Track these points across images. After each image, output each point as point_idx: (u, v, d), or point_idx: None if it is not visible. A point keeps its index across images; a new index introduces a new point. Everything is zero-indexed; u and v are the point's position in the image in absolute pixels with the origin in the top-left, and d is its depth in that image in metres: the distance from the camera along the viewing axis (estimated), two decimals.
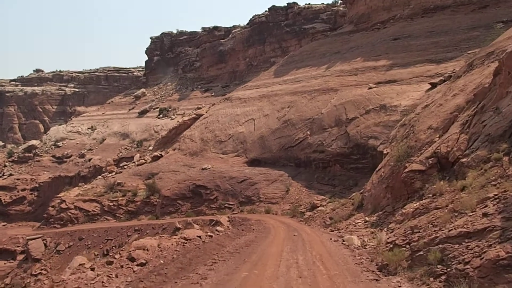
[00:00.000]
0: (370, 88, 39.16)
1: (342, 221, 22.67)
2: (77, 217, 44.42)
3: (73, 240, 40.35)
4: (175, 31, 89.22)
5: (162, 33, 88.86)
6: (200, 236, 15.48)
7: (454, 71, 31.45)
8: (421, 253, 10.60)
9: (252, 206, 38.24)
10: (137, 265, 10.03)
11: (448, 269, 9.29)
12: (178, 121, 54.47)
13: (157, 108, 78.32)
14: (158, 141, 52.70)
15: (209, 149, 46.62)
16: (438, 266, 9.65)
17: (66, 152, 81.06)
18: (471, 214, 10.64)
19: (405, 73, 39.04)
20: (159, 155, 49.83)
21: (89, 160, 74.52)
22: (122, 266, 10.02)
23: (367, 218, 20.43)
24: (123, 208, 44.34)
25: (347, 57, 45.33)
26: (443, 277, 9.33)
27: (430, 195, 15.38)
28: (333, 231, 21.32)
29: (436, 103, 22.51)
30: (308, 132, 40.29)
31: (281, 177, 39.81)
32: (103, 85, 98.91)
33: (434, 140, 18.72)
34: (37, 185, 72.04)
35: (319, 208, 32.40)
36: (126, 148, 74.48)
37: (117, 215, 44.15)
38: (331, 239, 17.07)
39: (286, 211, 34.41)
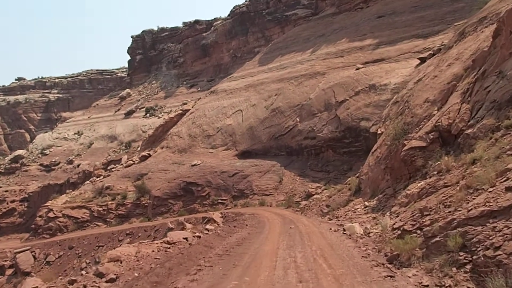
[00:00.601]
0: (357, 68, 37.59)
1: (340, 208, 21.14)
2: (66, 225, 42.50)
3: (63, 250, 38.53)
4: (156, 28, 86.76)
5: (143, 31, 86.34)
6: (186, 238, 13.82)
7: (443, 43, 29.94)
8: (437, 239, 9.02)
9: (246, 199, 36.66)
10: (106, 281, 8.31)
11: (474, 257, 7.72)
12: (164, 119, 52.49)
13: (143, 107, 76.26)
14: (145, 141, 50.76)
15: (197, 144, 44.83)
16: (461, 254, 8.09)
17: (53, 160, 78.78)
18: (490, 189, 9.07)
19: (393, 51, 37.52)
20: (147, 154, 47.93)
21: (78, 165, 72.31)
22: (85, 286, 8.30)
23: (366, 203, 18.90)
24: (113, 212, 42.49)
25: (331, 39, 43.66)
26: (468, 266, 7.78)
27: (435, 172, 13.84)
28: (331, 219, 19.77)
29: (430, 75, 20.95)
30: (298, 119, 38.68)
31: (273, 168, 38.23)
32: (88, 89, 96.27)
33: (432, 114, 17.18)
34: (26, 196, 69.91)
35: (315, 196, 30.94)
36: (114, 150, 72.40)
37: (108, 220, 42.31)
38: (330, 229, 15.49)
39: (280, 202, 32.88)
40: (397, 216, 13.38)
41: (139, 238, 36.02)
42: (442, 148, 15.17)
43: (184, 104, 56.02)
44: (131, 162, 48.33)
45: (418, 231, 10.57)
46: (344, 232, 14.47)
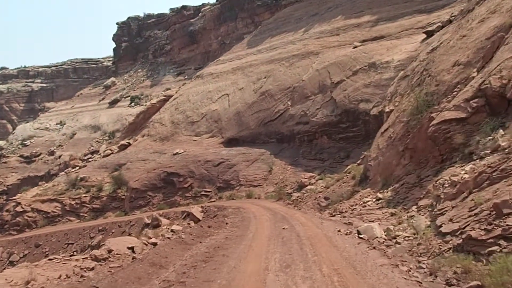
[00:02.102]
0: (355, 47, 33.01)
1: (343, 201, 16.58)
2: (35, 221, 37.55)
3: (28, 248, 33.76)
4: (142, 15, 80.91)
5: (129, 18, 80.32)
6: (133, 248, 9.22)
7: (453, 15, 25.40)
8: None
9: (232, 191, 32.06)
10: None
11: None
12: (145, 105, 47.38)
13: (128, 96, 70.81)
14: (126, 129, 45.76)
15: (180, 132, 39.97)
16: None
17: (34, 151, 73.14)
18: None
19: (393, 28, 32.98)
20: (126, 143, 42.97)
21: (59, 157, 66.90)
22: None
23: (379, 195, 14.35)
24: (87, 205, 37.64)
25: (326, 17, 38.93)
26: None
27: (488, 151, 9.34)
28: (333, 215, 15.24)
29: (453, 38, 16.39)
30: (289, 103, 34.05)
31: (262, 156, 33.62)
32: (72, 78, 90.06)
33: (470, 77, 12.62)
34: (5, 188, 64.49)
35: (308, 187, 26.43)
36: (97, 141, 66.95)
37: (81, 214, 37.49)
38: (339, 230, 10.91)
39: (270, 194, 28.36)
40: (440, 214, 8.81)
41: (112, 234, 31.43)
42: (491, 118, 10.66)
43: (168, 89, 50.87)
44: (109, 151, 43.37)
45: (503, 242, 6.01)
46: (360, 236, 9.91)
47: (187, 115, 40.45)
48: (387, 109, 19.54)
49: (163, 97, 45.17)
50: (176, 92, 45.53)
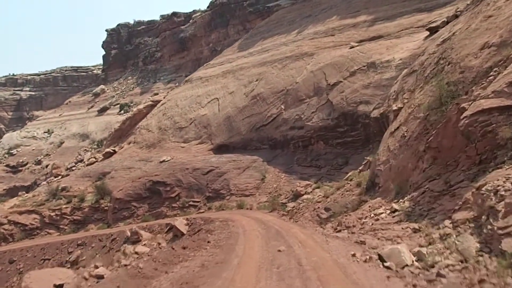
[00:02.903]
0: (352, 47, 30.55)
1: (349, 213, 13.78)
2: (12, 234, 34.15)
3: (1, 264, 30.37)
4: (132, 22, 78.32)
5: (119, 25, 77.74)
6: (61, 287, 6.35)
7: (458, 9, 22.99)
8: None
9: (222, 201, 29.12)
10: None
11: None
12: (132, 111, 44.42)
13: (118, 104, 67.93)
14: (111, 136, 42.67)
15: (168, 138, 37.04)
16: None
17: (21, 160, 69.75)
18: None
19: (392, 27, 30.63)
20: (112, 151, 39.90)
21: (46, 166, 63.57)
22: None
23: (394, 205, 11.56)
24: (68, 217, 34.39)
25: (320, 18, 36.51)
26: None
27: None
28: (338, 230, 12.43)
29: (475, 21, 13.82)
30: (282, 106, 31.38)
31: (254, 163, 30.79)
32: (62, 86, 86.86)
33: (509, 56, 9.97)
34: None
35: (304, 196, 23.68)
36: (86, 149, 63.85)
37: (61, 226, 34.23)
38: (353, 255, 8.08)
39: (263, 204, 25.47)
40: (507, 234, 6.02)
41: (92, 249, 28.32)
42: None
43: (156, 94, 47.99)
44: (94, 159, 40.25)
45: None
46: (385, 264, 7.07)
47: (175, 121, 37.56)
48: (394, 107, 16.86)
49: (151, 103, 42.28)
50: (164, 97, 42.68)
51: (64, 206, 34.85)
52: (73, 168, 41.22)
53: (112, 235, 27.35)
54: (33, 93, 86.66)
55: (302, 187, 25.39)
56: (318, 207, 17.78)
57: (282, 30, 39.72)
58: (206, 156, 33.47)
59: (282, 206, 23.22)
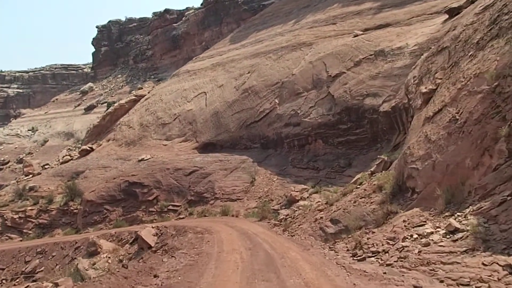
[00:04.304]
0: (356, 35, 26.29)
1: (371, 230, 9.26)
2: None
3: None
4: (123, 19, 73.73)
5: (110, 21, 73.12)
6: None
7: None
8: None
9: (205, 206, 24.56)
10: None
11: None
12: (113, 106, 39.68)
13: (105, 102, 63.09)
14: (89, 132, 37.86)
15: (149, 135, 32.40)
16: None
17: (2, 158, 64.61)
18: None
19: (401, 14, 26.43)
20: (88, 148, 35.14)
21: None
22: None
23: (453, 222, 7.03)
24: (33, 220, 29.61)
25: (320, 7, 32.26)
26: None
27: None
28: (358, 255, 7.94)
29: None
30: (277, 101, 26.95)
31: (243, 164, 26.28)
32: (51, 84, 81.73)
33: None
34: None
35: (300, 202, 19.21)
36: (69, 148, 58.85)
37: (24, 231, 29.46)
38: None
39: (251, 211, 20.93)
40: None
41: (52, 258, 23.61)
42: None
43: (140, 89, 43.34)
44: (69, 157, 35.48)
45: None
46: None
47: (157, 116, 32.95)
48: (423, 90, 12.45)
49: (134, 97, 37.61)
50: (148, 92, 38.06)
51: (30, 208, 30.05)
52: (46, 167, 36.35)
53: (76, 242, 22.77)
54: (20, 90, 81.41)
55: (297, 191, 20.92)
56: (321, 218, 13.27)
57: (279, 21, 35.43)
58: (189, 155, 28.89)
59: (274, 214, 18.70)
